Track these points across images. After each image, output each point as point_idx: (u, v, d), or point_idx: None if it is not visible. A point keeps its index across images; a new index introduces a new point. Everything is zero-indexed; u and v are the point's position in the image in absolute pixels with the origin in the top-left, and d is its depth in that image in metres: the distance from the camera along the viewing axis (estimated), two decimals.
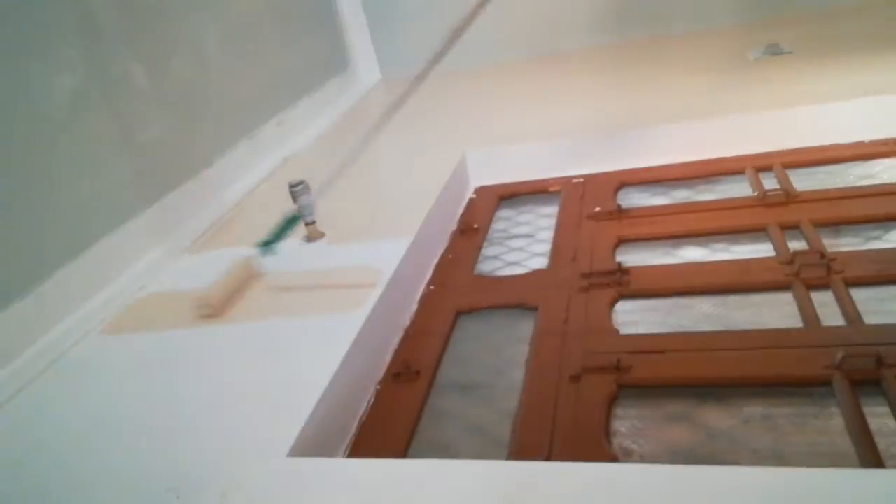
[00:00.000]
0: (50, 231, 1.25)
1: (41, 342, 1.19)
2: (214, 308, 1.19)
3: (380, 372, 1.09)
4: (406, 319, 1.22)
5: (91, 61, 1.37)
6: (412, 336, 1.19)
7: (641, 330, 1.10)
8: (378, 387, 1.07)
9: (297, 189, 1.34)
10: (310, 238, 1.39)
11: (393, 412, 1.01)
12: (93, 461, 0.90)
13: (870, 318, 0.98)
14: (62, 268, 1.26)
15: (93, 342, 1.20)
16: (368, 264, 1.24)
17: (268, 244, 1.29)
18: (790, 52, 1.88)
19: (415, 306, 1.26)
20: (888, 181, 1.34)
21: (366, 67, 2.62)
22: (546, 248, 1.39)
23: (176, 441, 0.91)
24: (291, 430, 0.87)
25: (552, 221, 1.49)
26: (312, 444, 0.89)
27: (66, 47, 1.31)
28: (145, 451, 0.90)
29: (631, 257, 1.29)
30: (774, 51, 1.91)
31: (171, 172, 1.56)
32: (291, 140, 2.03)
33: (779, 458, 0.82)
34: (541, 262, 1.35)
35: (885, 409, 0.83)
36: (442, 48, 1.31)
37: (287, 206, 1.35)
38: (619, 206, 1.45)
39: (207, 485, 0.80)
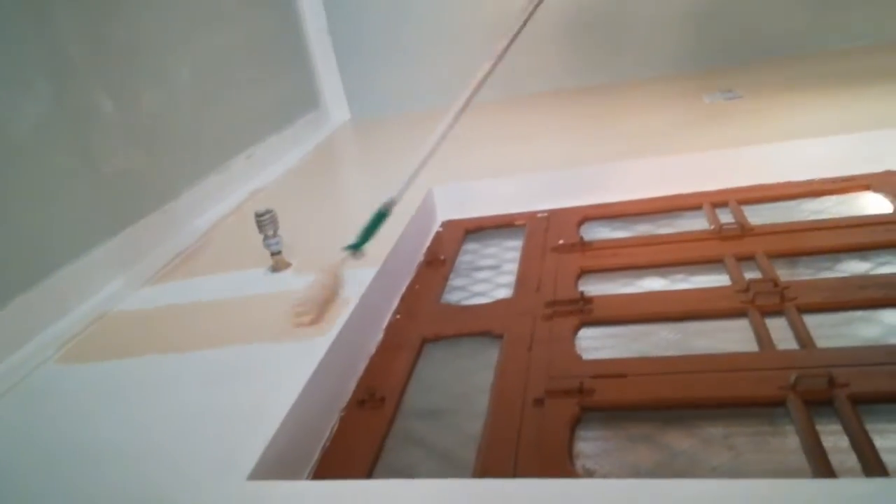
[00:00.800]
0: (7, 258, 1.23)
1: None
2: (313, 315, 1.14)
3: (344, 398, 1.09)
4: (372, 347, 1.22)
5: (59, 91, 1.37)
6: (377, 363, 1.18)
7: (604, 355, 1.11)
8: (342, 413, 1.06)
9: (263, 218, 1.35)
10: (276, 268, 1.39)
11: (356, 438, 1.00)
12: (51, 485, 0.87)
13: (822, 343, 1.02)
14: (20, 295, 1.23)
15: (49, 370, 1.17)
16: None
17: (357, 246, 1.28)
18: (741, 97, 1.97)
19: (381, 334, 1.26)
20: (838, 216, 1.40)
21: (335, 106, 2.67)
22: (511, 279, 1.41)
23: (132, 466, 0.88)
24: (252, 454, 0.86)
25: (517, 254, 1.51)
26: (273, 470, 0.87)
27: (34, 75, 1.32)
28: (103, 474, 0.87)
29: (593, 287, 1.32)
30: (728, 95, 2.00)
31: (137, 203, 1.56)
32: (260, 174, 2.04)
33: (736, 476, 0.83)
34: (506, 293, 1.37)
35: (838, 427, 0.85)
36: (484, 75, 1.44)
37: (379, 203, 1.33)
38: (581, 238, 1.48)
39: None
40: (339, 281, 1.26)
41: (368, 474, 0.93)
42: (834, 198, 1.48)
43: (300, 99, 2.48)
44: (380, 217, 1.32)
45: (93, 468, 0.89)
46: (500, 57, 1.38)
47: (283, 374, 1.02)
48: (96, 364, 1.17)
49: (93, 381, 1.12)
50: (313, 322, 1.15)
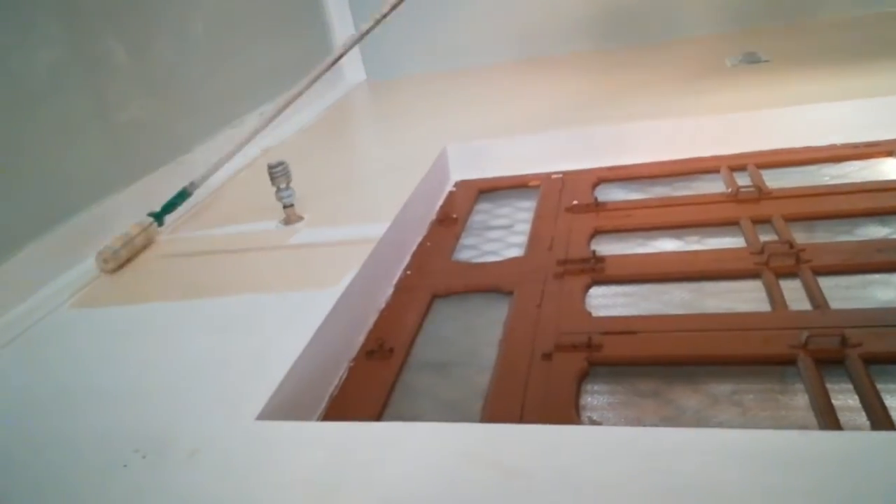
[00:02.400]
0: (23, 204, 1.24)
1: (13, 313, 1.18)
2: (115, 261, 1.29)
3: (353, 349, 1.09)
4: (382, 301, 1.22)
5: (72, 37, 1.37)
6: (387, 317, 1.19)
7: (615, 313, 1.11)
8: (351, 363, 1.07)
9: (276, 170, 1.34)
10: (288, 221, 1.39)
11: (365, 388, 1.01)
12: (60, 425, 0.89)
13: (836, 304, 1.00)
14: (35, 241, 1.25)
15: (63, 314, 1.19)
16: (346, 246, 1.25)
17: (158, 216, 1.43)
18: (767, 61, 1.93)
19: (391, 289, 1.26)
20: (858, 181, 1.38)
21: (351, 66, 2.64)
22: (523, 238, 1.41)
23: (144, 407, 0.90)
24: (260, 397, 0.87)
25: (530, 215, 1.50)
26: (282, 413, 0.88)
27: (47, 21, 1.31)
28: (114, 415, 0.89)
29: (606, 247, 1.31)
30: (752, 59, 1.95)
31: (151, 154, 1.56)
32: (273, 131, 2.03)
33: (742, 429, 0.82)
34: (517, 252, 1.36)
35: (849, 386, 0.85)
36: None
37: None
38: (596, 199, 1.47)
39: (175, 445, 0.80)
40: (144, 240, 1.40)
41: (376, 421, 0.94)
42: (856, 163, 1.45)
43: (315, 58, 2.45)
44: (182, 195, 1.48)
45: (105, 408, 0.91)
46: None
47: (292, 322, 1.03)
48: (109, 309, 1.18)
49: (106, 326, 1.14)
50: (113, 270, 1.30)
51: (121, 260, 1.32)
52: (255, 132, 1.48)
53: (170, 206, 1.46)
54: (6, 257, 1.19)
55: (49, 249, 1.27)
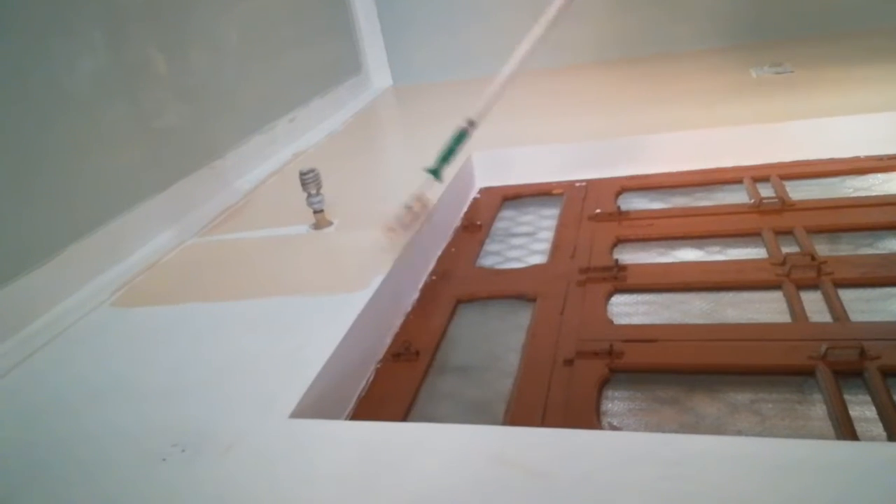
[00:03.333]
0: (65, 206, 1.29)
1: (54, 311, 1.23)
2: (399, 233, 1.27)
3: (380, 351, 1.13)
4: (408, 305, 1.26)
5: (113, 45, 1.42)
6: (413, 320, 1.22)
7: (636, 321, 1.13)
8: (378, 365, 1.10)
9: (307, 177, 1.38)
10: (318, 226, 1.43)
11: (391, 389, 1.05)
12: (102, 418, 0.93)
13: (856, 317, 1.02)
14: (77, 242, 1.30)
15: (104, 313, 1.24)
16: (374, 251, 1.28)
17: (436, 170, 1.32)
18: (792, 72, 1.93)
19: (417, 293, 1.30)
20: (882, 193, 1.38)
21: (378, 72, 2.69)
22: (546, 246, 1.43)
23: (181, 404, 0.94)
24: (293, 396, 0.90)
25: (553, 222, 1.53)
26: (312, 412, 0.92)
27: (90, 28, 1.37)
28: (153, 410, 0.93)
29: (629, 256, 1.33)
30: (777, 69, 1.96)
31: (185, 159, 1.61)
32: (303, 137, 2.08)
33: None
34: (540, 259, 1.39)
35: (867, 398, 0.86)
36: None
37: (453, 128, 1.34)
38: (619, 208, 1.49)
39: (212, 441, 0.84)
40: (425, 202, 1.35)
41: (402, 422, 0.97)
42: (880, 175, 1.46)
43: (344, 64, 2.51)
44: (459, 138, 1.29)
45: (145, 404, 0.95)
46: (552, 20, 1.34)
47: (323, 325, 1.07)
48: (147, 308, 1.23)
49: (143, 325, 1.18)
50: (398, 238, 1.27)
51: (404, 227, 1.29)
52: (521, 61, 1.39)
53: (449, 154, 1.32)
54: (49, 258, 1.24)
55: (90, 250, 1.32)
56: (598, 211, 1.49)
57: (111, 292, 1.29)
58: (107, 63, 1.40)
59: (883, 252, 1.20)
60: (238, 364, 1.00)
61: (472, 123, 1.31)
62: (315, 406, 0.92)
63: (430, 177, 1.33)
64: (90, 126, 1.35)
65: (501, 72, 1.36)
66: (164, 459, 0.83)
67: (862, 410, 0.85)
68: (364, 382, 1.06)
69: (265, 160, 1.91)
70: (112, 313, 1.24)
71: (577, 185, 1.66)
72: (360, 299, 1.12)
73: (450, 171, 1.64)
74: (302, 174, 1.39)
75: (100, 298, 1.28)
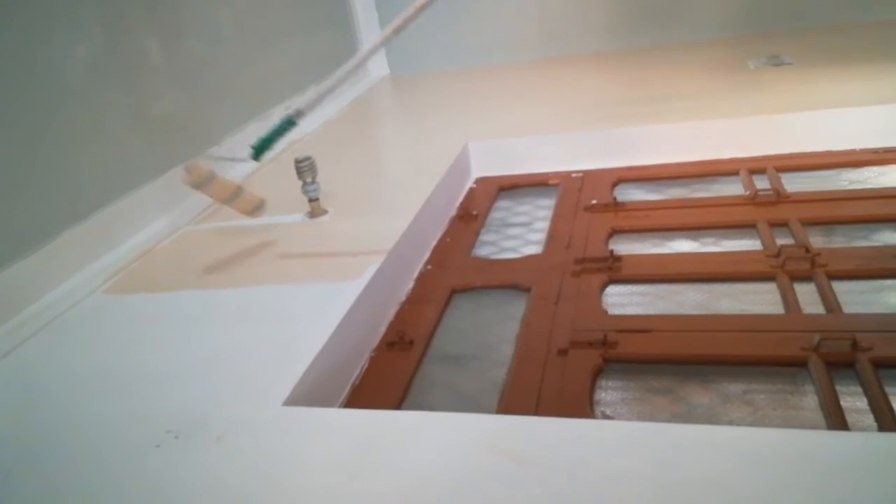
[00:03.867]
0: (60, 192, 1.28)
1: (46, 298, 1.22)
2: (197, 175, 1.24)
3: (374, 340, 1.13)
4: (402, 294, 1.26)
5: (109, 33, 1.41)
6: (407, 310, 1.22)
7: (630, 311, 1.13)
8: (372, 354, 1.10)
9: (302, 165, 1.38)
10: (313, 214, 1.43)
11: (385, 378, 1.05)
12: (95, 406, 0.93)
13: (849, 309, 1.02)
14: (69, 228, 1.29)
15: (97, 300, 1.24)
16: (369, 240, 1.28)
17: (257, 151, 1.27)
18: (790, 63, 1.93)
19: (412, 283, 1.30)
20: (876, 186, 1.39)
21: (375, 61, 2.67)
22: (542, 236, 1.43)
23: (175, 390, 0.94)
24: (286, 384, 0.90)
25: (549, 213, 1.52)
26: (306, 399, 0.92)
27: (86, 17, 1.35)
28: (147, 398, 0.93)
29: (624, 247, 1.33)
30: (775, 61, 1.96)
31: (181, 146, 1.60)
32: (299, 124, 2.07)
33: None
34: (536, 249, 1.39)
35: (858, 389, 0.87)
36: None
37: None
38: (615, 199, 1.49)
39: (206, 427, 0.84)
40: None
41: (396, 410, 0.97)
42: (875, 168, 1.46)
43: (340, 52, 2.49)
44: (287, 124, 1.28)
45: (139, 391, 0.95)
46: None
47: (317, 313, 1.07)
48: (141, 296, 1.23)
49: (137, 312, 1.18)
50: (195, 184, 1.26)
51: (201, 181, 1.27)
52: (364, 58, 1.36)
53: (271, 138, 1.28)
54: (42, 244, 1.23)
55: (83, 237, 1.31)
56: (594, 202, 1.49)
57: (104, 279, 1.29)
58: (103, 50, 1.39)
59: (877, 244, 1.21)
60: (232, 352, 1.00)
61: (299, 113, 1.29)
62: (309, 394, 0.92)
63: (252, 154, 1.27)
64: (85, 113, 1.34)
65: (342, 67, 1.33)
66: (157, 446, 0.83)
67: (853, 401, 0.86)
68: (358, 371, 1.06)
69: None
70: (105, 300, 1.24)
71: (574, 175, 1.66)
72: (354, 288, 1.11)
73: (446, 161, 1.64)
74: (297, 162, 1.38)
75: (93, 285, 1.27)
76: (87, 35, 1.35)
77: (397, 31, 1.36)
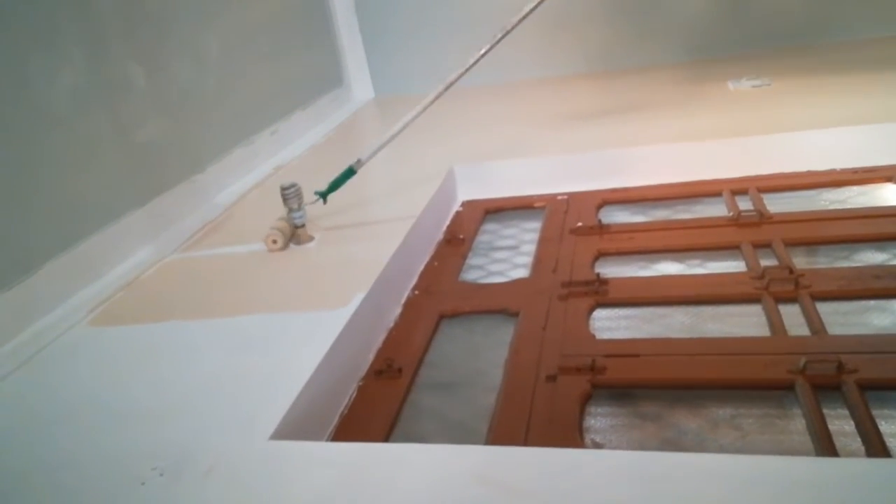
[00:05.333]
0: (42, 223, 1.27)
1: (29, 330, 1.21)
2: (282, 241, 1.40)
3: (363, 368, 1.12)
4: (390, 321, 1.25)
5: (92, 59, 1.41)
6: (395, 336, 1.22)
7: (617, 335, 1.14)
8: (360, 382, 1.09)
9: (288, 192, 1.38)
10: (299, 241, 1.43)
11: (374, 407, 1.04)
12: (79, 440, 0.92)
13: (834, 330, 1.03)
14: (52, 259, 1.28)
15: (81, 332, 1.22)
16: (356, 266, 1.28)
17: (324, 194, 1.45)
18: (769, 85, 1.96)
19: (399, 309, 1.29)
20: (857, 206, 1.41)
21: (360, 84, 2.68)
22: (528, 259, 1.44)
23: (161, 424, 0.92)
24: (274, 416, 0.89)
25: (535, 235, 1.53)
26: (294, 432, 0.91)
27: (69, 44, 1.35)
28: (131, 433, 0.92)
29: (610, 269, 1.33)
30: (754, 83, 1.99)
31: (165, 174, 1.60)
32: (284, 149, 2.07)
33: (743, 454, 0.85)
34: (523, 273, 1.39)
35: (845, 412, 0.87)
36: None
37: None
38: (600, 222, 1.50)
39: (191, 463, 0.83)
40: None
41: (385, 441, 0.97)
42: (855, 188, 1.48)
43: (325, 77, 2.51)
44: (349, 172, 1.51)
45: (123, 426, 0.93)
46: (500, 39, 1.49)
47: (304, 342, 1.06)
48: (125, 327, 1.22)
49: (122, 344, 1.17)
50: (282, 248, 1.41)
51: (285, 240, 1.41)
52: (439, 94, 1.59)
53: (336, 184, 1.49)
54: (26, 275, 1.22)
55: (67, 267, 1.30)
56: (579, 224, 1.50)
57: (88, 311, 1.28)
58: (86, 77, 1.39)
59: (859, 265, 1.22)
60: (217, 384, 0.99)
61: (359, 162, 1.52)
62: (296, 427, 0.91)
63: (319, 198, 1.46)
64: (68, 141, 1.33)
65: (399, 122, 1.59)
66: (142, 483, 0.81)
67: (841, 424, 0.86)
68: (346, 401, 1.05)
69: (246, 173, 1.89)
70: (89, 332, 1.22)
71: (559, 198, 1.67)
72: (341, 316, 1.11)
73: (432, 184, 1.65)
74: (283, 189, 1.38)
75: (77, 317, 1.26)
76: (70, 61, 1.35)
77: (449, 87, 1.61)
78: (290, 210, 1.40)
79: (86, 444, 0.91)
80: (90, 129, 1.40)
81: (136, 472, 0.83)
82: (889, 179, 1.46)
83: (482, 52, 1.59)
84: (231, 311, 1.21)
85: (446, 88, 1.55)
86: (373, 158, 1.55)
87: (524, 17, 1.57)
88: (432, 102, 1.54)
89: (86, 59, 1.39)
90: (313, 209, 1.46)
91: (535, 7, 1.57)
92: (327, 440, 0.98)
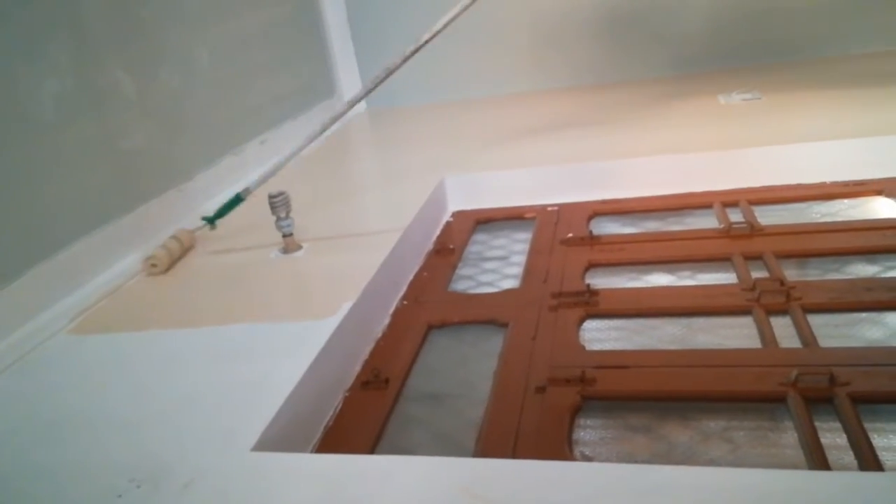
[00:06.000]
0: (24, 230, 1.25)
1: (10, 338, 1.18)
2: (160, 265, 1.39)
3: (349, 379, 1.10)
4: (378, 331, 1.24)
5: (80, 67, 1.39)
6: (383, 347, 1.20)
7: (607, 347, 1.12)
8: (346, 393, 1.07)
9: (276, 200, 1.36)
10: (287, 249, 1.41)
11: (360, 418, 1.02)
12: (56, 452, 0.89)
13: (825, 342, 1.02)
14: (34, 267, 1.26)
15: (61, 341, 1.20)
16: (344, 276, 1.26)
17: (212, 220, 1.49)
18: (759, 98, 1.97)
19: (387, 319, 1.27)
20: (848, 219, 1.40)
21: (351, 95, 2.67)
22: (518, 270, 1.42)
23: (140, 435, 0.90)
24: (256, 427, 0.87)
25: (526, 246, 1.52)
26: (277, 444, 0.89)
27: (56, 51, 1.34)
28: (109, 444, 0.89)
29: (600, 280, 1.32)
30: (745, 96, 2.00)
31: (152, 181, 1.58)
32: (273, 159, 2.05)
33: (734, 468, 0.83)
34: (513, 283, 1.38)
35: (837, 425, 0.86)
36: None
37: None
38: (590, 233, 1.49)
39: (169, 476, 0.80)
40: (190, 244, 1.51)
41: (370, 453, 0.95)
42: (846, 201, 1.48)
43: (316, 87, 2.50)
44: (236, 200, 1.51)
45: (101, 437, 0.91)
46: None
47: (290, 352, 1.04)
48: (107, 336, 1.19)
49: (103, 353, 1.15)
50: (162, 272, 1.40)
51: (165, 265, 1.41)
52: (311, 138, 1.58)
53: (223, 211, 1.50)
54: (5, 283, 1.20)
55: (49, 275, 1.27)
56: (570, 235, 1.49)
57: (70, 319, 1.25)
58: (73, 85, 1.37)
59: (850, 277, 1.22)
60: (199, 394, 0.97)
61: (247, 190, 1.53)
62: (279, 438, 0.89)
63: (206, 224, 1.51)
64: (53, 147, 1.32)
65: (284, 153, 1.58)
66: (119, 496, 0.79)
67: (833, 437, 0.85)
68: (331, 412, 1.03)
69: (235, 182, 1.87)
70: (70, 341, 1.20)
71: (550, 209, 1.66)
72: (328, 326, 1.09)
73: (422, 194, 1.64)
74: (271, 197, 1.37)
75: (58, 326, 1.23)
76: (57, 68, 1.33)
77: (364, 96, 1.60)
78: (279, 218, 1.38)
79: (62, 455, 0.88)
80: (76, 135, 1.38)
81: (112, 483, 0.81)
82: (879, 192, 1.46)
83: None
84: (215, 320, 1.18)
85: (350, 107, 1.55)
86: (361, 170, 1.55)
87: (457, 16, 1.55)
88: (327, 128, 1.58)
89: (73, 66, 1.38)
90: (302, 216, 1.45)
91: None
92: (311, 452, 0.95)
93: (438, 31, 1.53)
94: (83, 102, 1.40)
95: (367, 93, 1.59)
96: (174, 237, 1.48)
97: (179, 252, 1.46)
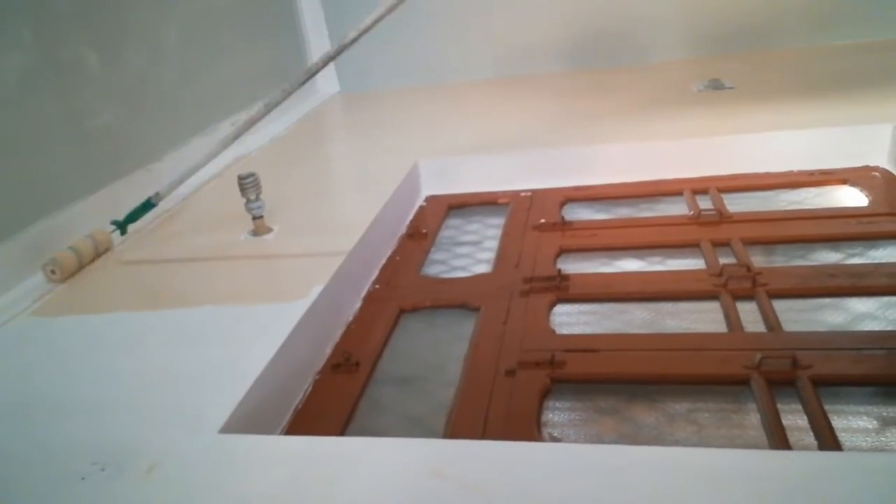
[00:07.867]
0: None
1: None
2: (62, 272, 1.27)
3: (319, 362, 1.10)
4: (349, 314, 1.23)
5: (43, 42, 1.35)
6: (354, 330, 1.19)
7: (577, 331, 1.13)
8: (317, 376, 1.07)
9: (246, 182, 1.34)
10: (257, 232, 1.39)
11: (330, 401, 1.02)
12: (19, 433, 0.88)
13: (789, 327, 1.04)
14: None
15: (24, 322, 1.17)
16: (315, 259, 1.25)
17: (122, 224, 1.42)
18: (732, 88, 1.99)
19: (359, 303, 1.27)
20: (814, 207, 1.43)
21: (325, 78, 2.64)
22: (491, 255, 1.43)
23: (104, 419, 0.89)
24: (223, 410, 0.86)
25: (499, 231, 1.52)
26: (245, 426, 0.88)
27: (20, 25, 1.30)
28: (73, 426, 0.88)
29: (571, 266, 1.33)
30: (717, 85, 2.02)
31: (120, 161, 1.55)
32: (245, 141, 2.02)
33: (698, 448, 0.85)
34: (485, 268, 1.38)
35: (798, 407, 0.88)
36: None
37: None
38: (563, 218, 1.50)
39: (134, 458, 0.79)
40: (101, 248, 1.39)
41: (340, 435, 0.94)
42: (812, 190, 1.51)
43: (289, 69, 2.46)
44: (146, 205, 1.46)
45: (64, 419, 0.89)
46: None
47: (259, 334, 1.03)
48: (71, 318, 1.17)
49: (67, 335, 1.12)
50: (62, 280, 1.28)
51: (69, 271, 1.29)
52: (225, 144, 1.47)
53: (134, 216, 1.45)
54: None
55: (11, 255, 1.24)
56: (542, 221, 1.50)
57: (33, 300, 1.22)
58: (35, 61, 1.33)
59: (814, 264, 1.24)
60: (166, 376, 0.96)
61: (157, 195, 1.47)
62: (247, 420, 0.88)
63: (116, 228, 1.43)
64: (15, 123, 1.28)
65: (200, 155, 1.50)
66: (83, 479, 0.78)
67: (794, 419, 0.87)
68: (301, 394, 1.03)
69: (202, 167, 1.84)
70: (33, 322, 1.17)
71: (523, 194, 1.66)
72: (298, 309, 1.08)
73: (395, 179, 1.63)
74: (241, 178, 1.35)
75: (21, 307, 1.20)
76: (22, 45, 1.29)
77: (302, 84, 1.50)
78: (248, 200, 1.36)
79: (23, 437, 0.87)
80: (39, 113, 1.34)
81: (75, 466, 0.79)
82: (844, 182, 1.49)
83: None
84: (182, 302, 1.17)
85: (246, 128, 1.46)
86: (334, 153, 1.53)
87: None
88: (231, 141, 1.47)
89: (35, 41, 1.33)
90: (273, 198, 1.43)
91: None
92: (281, 433, 0.95)
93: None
94: (47, 78, 1.36)
95: (309, 77, 1.51)
96: (89, 236, 1.36)
97: (91, 256, 1.35)
